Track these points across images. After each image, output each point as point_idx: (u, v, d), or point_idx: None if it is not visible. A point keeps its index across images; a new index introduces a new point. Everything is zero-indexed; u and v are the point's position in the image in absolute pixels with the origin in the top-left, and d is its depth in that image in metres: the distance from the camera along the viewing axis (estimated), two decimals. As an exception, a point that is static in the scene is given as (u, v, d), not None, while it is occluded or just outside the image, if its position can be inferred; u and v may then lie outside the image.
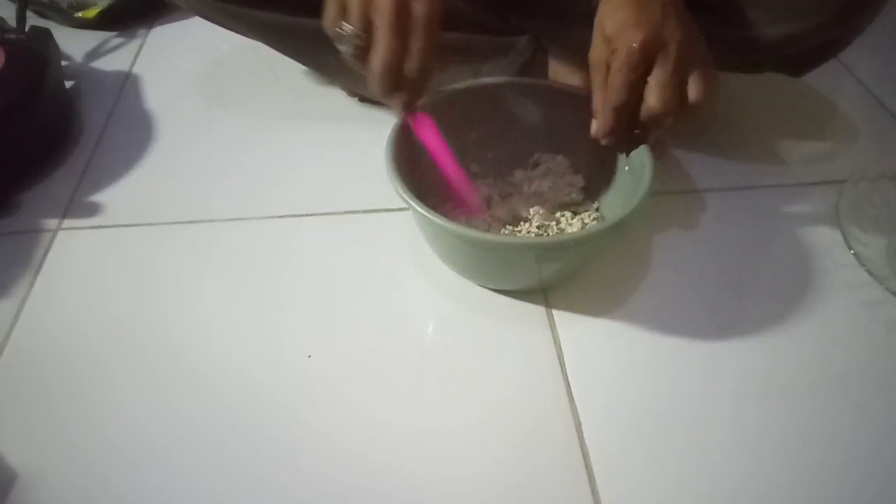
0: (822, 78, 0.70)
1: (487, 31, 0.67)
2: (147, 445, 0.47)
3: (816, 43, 0.60)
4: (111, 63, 0.84)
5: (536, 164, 0.61)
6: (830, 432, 0.47)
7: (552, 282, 0.56)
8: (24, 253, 0.60)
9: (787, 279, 0.57)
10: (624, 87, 0.45)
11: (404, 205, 0.49)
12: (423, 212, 0.47)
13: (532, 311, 0.55)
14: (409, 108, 0.49)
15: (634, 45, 0.44)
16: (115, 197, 0.66)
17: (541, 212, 0.57)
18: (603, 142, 0.48)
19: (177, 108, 0.76)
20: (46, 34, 0.76)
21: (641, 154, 0.51)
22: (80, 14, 0.89)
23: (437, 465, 0.46)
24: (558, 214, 0.58)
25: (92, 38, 0.88)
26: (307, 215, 0.63)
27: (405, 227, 0.61)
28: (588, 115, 0.49)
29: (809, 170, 0.68)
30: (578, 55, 0.65)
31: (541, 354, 0.52)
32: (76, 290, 0.57)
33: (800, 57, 0.63)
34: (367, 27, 0.44)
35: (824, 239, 0.60)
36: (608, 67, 0.46)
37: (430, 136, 0.52)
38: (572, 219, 0.58)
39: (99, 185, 0.67)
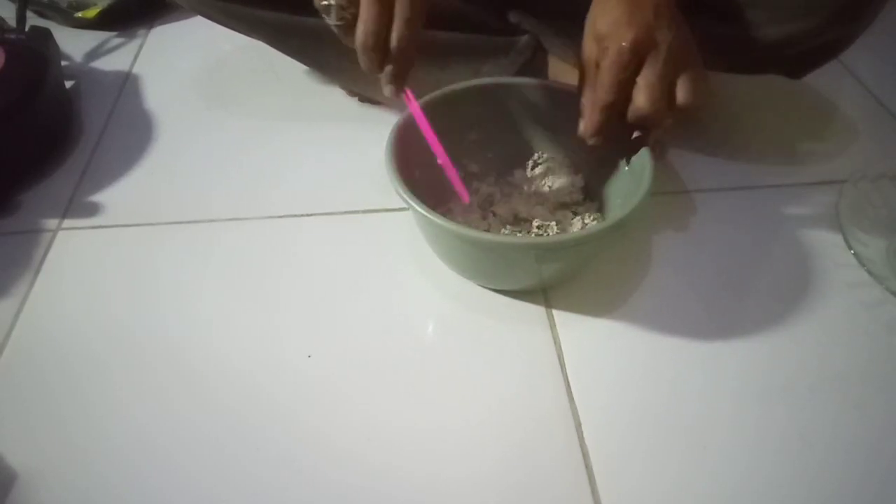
0: (822, 78, 0.69)
1: (487, 31, 0.67)
2: (147, 445, 0.47)
3: (816, 43, 0.60)
4: (111, 63, 0.84)
5: (536, 164, 0.61)
6: (830, 432, 0.47)
7: (552, 282, 0.56)
8: (24, 253, 0.60)
9: (787, 279, 0.57)
10: (612, 87, 0.45)
11: (404, 205, 0.49)
12: (423, 212, 0.47)
13: (532, 311, 0.55)
14: (398, 84, 0.48)
15: (625, 43, 0.44)
16: (115, 197, 0.66)
17: (542, 212, 0.57)
18: (590, 142, 0.48)
19: (177, 108, 0.76)
20: (46, 34, 0.76)
21: (641, 154, 0.51)
22: (80, 14, 0.89)
23: (437, 465, 0.46)
24: (559, 214, 0.58)
25: (92, 38, 0.88)
26: (307, 215, 0.63)
27: (405, 227, 0.61)
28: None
29: (809, 170, 0.68)
30: (578, 55, 0.65)
31: (541, 354, 0.52)
32: (76, 290, 0.57)
33: (800, 57, 0.63)
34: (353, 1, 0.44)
35: (824, 239, 0.60)
36: (598, 66, 0.47)
37: (420, 118, 0.51)
38: (572, 219, 0.58)
39: (99, 185, 0.67)
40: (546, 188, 0.59)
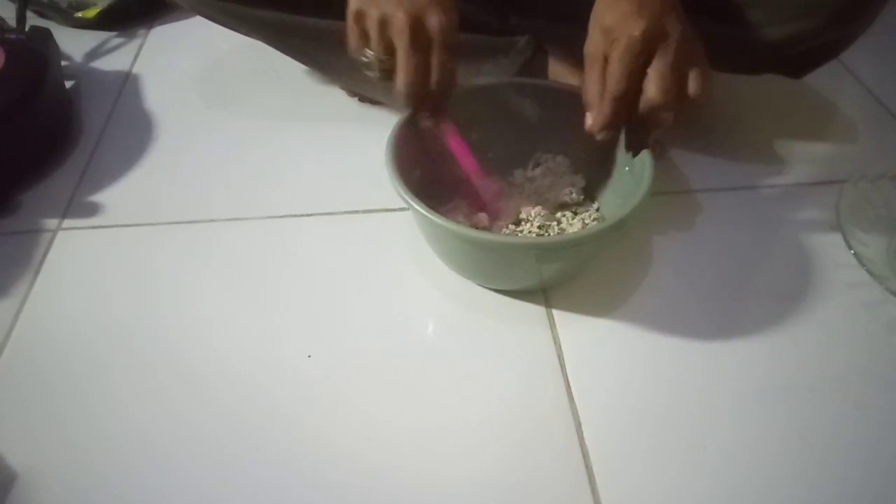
0: (822, 78, 0.69)
1: (487, 31, 0.67)
2: (147, 445, 0.47)
3: (816, 43, 0.60)
4: (111, 63, 0.84)
5: (537, 164, 0.61)
6: (830, 432, 0.47)
7: (552, 282, 0.56)
8: (24, 253, 0.60)
9: (787, 279, 0.57)
10: (624, 78, 0.45)
11: (404, 205, 0.49)
12: (423, 212, 0.47)
13: (532, 311, 0.55)
14: (438, 119, 0.51)
15: (636, 33, 0.44)
16: (115, 197, 0.66)
17: (542, 212, 0.57)
18: (599, 136, 0.48)
19: (177, 108, 0.76)
20: (46, 34, 0.76)
21: (642, 154, 0.51)
22: (80, 14, 0.89)
23: (437, 465, 0.46)
24: (559, 214, 0.58)
25: (92, 38, 0.88)
26: (307, 215, 0.63)
27: (405, 227, 0.61)
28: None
29: (809, 170, 0.68)
30: (578, 55, 0.65)
31: (541, 354, 0.52)
32: (76, 290, 0.57)
33: (800, 57, 0.63)
34: (389, 49, 0.45)
35: (824, 239, 0.60)
36: (605, 60, 0.46)
37: (454, 140, 0.53)
38: (572, 219, 0.58)
39: (99, 185, 0.67)
40: (546, 188, 0.59)
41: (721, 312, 0.55)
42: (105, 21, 0.90)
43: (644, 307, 0.55)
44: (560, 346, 0.52)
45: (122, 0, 0.91)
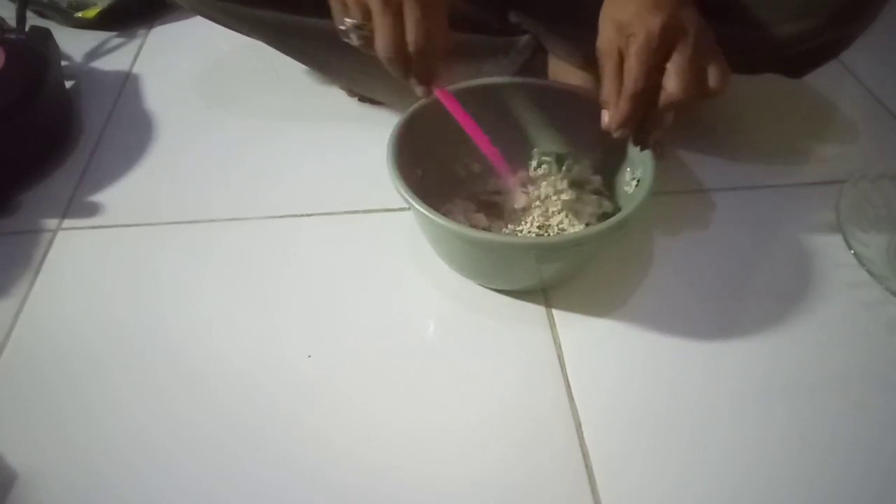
0: (822, 78, 0.69)
1: (487, 31, 0.67)
2: (147, 445, 0.47)
3: (816, 43, 0.60)
4: (111, 63, 0.84)
5: (538, 164, 0.61)
6: (830, 432, 0.47)
7: (552, 282, 0.56)
8: (24, 253, 0.60)
9: (787, 279, 0.57)
10: (642, 74, 0.44)
11: (404, 205, 0.49)
12: (423, 211, 0.47)
13: (532, 311, 0.55)
14: (426, 84, 0.49)
15: (654, 29, 0.43)
16: (115, 197, 0.66)
17: (542, 211, 0.57)
18: (616, 134, 0.47)
19: (177, 108, 0.76)
20: (46, 34, 0.76)
21: (643, 154, 0.51)
22: (80, 14, 0.89)
23: (437, 465, 0.46)
24: (559, 215, 0.58)
25: (92, 38, 0.88)
26: (307, 215, 0.63)
27: (405, 227, 0.61)
28: (589, 113, 0.49)
29: (809, 170, 0.68)
30: (578, 55, 0.65)
31: (541, 354, 0.52)
32: (76, 290, 0.57)
33: (800, 57, 0.63)
34: (367, 16, 0.44)
35: (824, 239, 0.60)
36: (621, 56, 0.45)
37: (455, 108, 0.52)
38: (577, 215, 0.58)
39: (99, 185, 0.67)
40: (547, 188, 0.59)
41: (721, 312, 0.55)
42: (105, 21, 0.90)
43: (644, 307, 0.55)
44: (560, 346, 0.52)
45: (122, 0, 0.91)
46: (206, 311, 0.55)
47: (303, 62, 0.72)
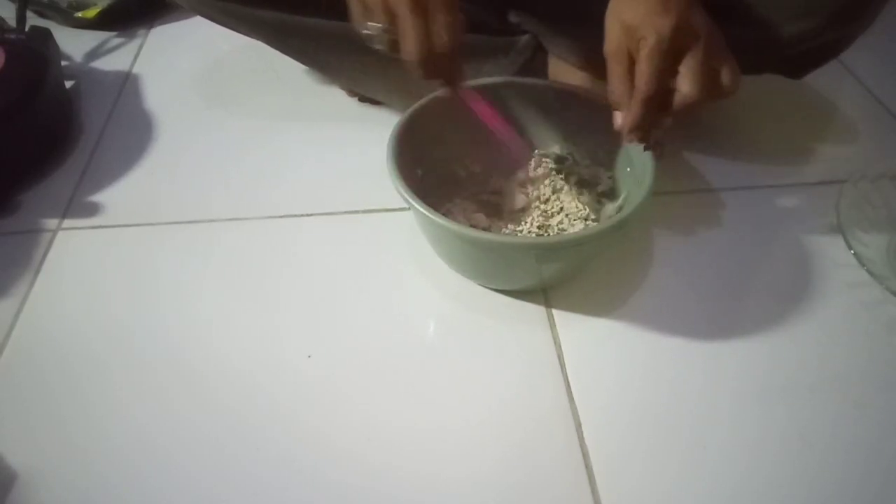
0: (822, 78, 0.70)
1: (487, 31, 0.67)
2: (147, 445, 0.47)
3: (816, 43, 0.60)
4: (111, 63, 0.84)
5: (538, 165, 0.61)
6: (830, 432, 0.47)
7: (552, 282, 0.56)
8: (24, 253, 0.60)
9: (787, 279, 0.57)
10: (654, 77, 0.44)
11: (404, 205, 0.49)
12: (423, 211, 0.47)
13: (532, 311, 0.55)
14: (452, 85, 0.49)
15: (665, 31, 0.43)
16: (115, 197, 0.66)
17: (542, 211, 0.57)
18: (627, 138, 0.47)
19: (177, 108, 0.76)
20: (46, 34, 0.76)
21: (643, 154, 0.51)
22: (80, 14, 0.89)
23: (437, 465, 0.46)
24: (561, 215, 0.58)
25: (92, 38, 0.88)
26: (307, 215, 0.63)
27: (405, 227, 0.61)
28: (589, 113, 0.49)
29: (809, 170, 0.68)
30: (578, 55, 0.65)
31: (541, 354, 0.52)
32: (76, 290, 0.57)
33: (800, 57, 0.63)
34: (392, 19, 0.44)
35: (824, 239, 0.60)
36: (630, 58, 0.45)
37: (479, 105, 0.52)
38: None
39: (99, 185, 0.67)
40: (547, 188, 0.59)
41: (721, 312, 0.55)
42: (105, 21, 0.90)
43: (644, 307, 0.55)
44: (560, 346, 0.52)
45: (122, 0, 0.91)
46: (206, 311, 0.55)
47: (303, 62, 0.72)
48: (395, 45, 0.46)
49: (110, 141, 0.72)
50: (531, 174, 0.61)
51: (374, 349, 0.52)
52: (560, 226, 0.57)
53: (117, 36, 0.89)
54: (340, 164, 0.68)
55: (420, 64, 0.45)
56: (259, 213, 0.63)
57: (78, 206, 0.65)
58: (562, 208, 0.59)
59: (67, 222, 0.63)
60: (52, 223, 0.63)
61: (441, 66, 0.46)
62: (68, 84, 0.79)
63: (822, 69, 0.65)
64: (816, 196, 0.65)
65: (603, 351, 0.52)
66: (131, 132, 0.73)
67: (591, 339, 0.53)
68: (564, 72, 0.67)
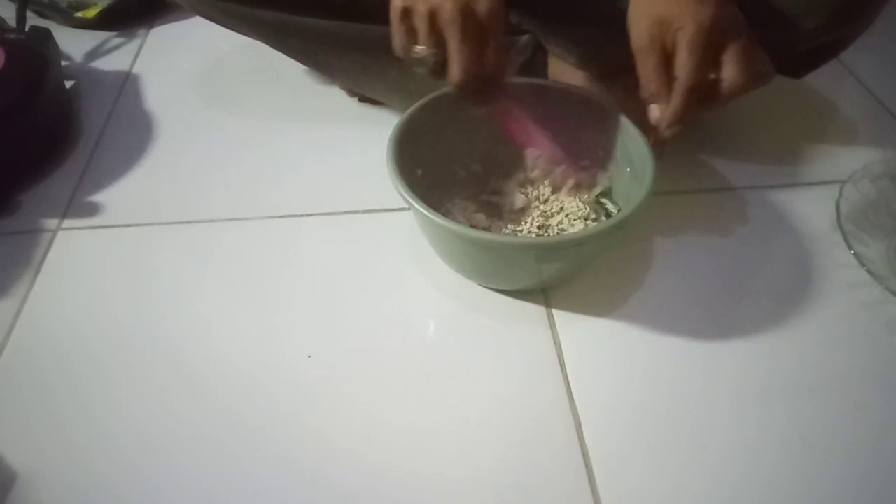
0: (822, 78, 0.70)
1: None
2: (147, 445, 0.47)
3: (816, 43, 0.60)
4: (111, 63, 0.84)
5: (537, 165, 0.61)
6: (830, 432, 0.47)
7: (552, 282, 0.56)
8: (24, 253, 0.60)
9: (787, 279, 0.57)
10: (697, 67, 0.44)
11: (404, 205, 0.49)
12: (423, 211, 0.47)
13: (532, 311, 0.55)
14: (492, 103, 0.50)
15: (706, 21, 0.43)
16: (115, 197, 0.66)
17: (542, 212, 0.57)
18: (667, 132, 0.47)
19: (177, 108, 0.76)
20: (46, 34, 0.76)
21: (643, 154, 0.51)
22: (80, 14, 0.89)
23: (437, 465, 0.46)
24: (561, 215, 0.58)
25: (92, 38, 0.88)
26: (307, 215, 0.63)
27: (405, 227, 0.61)
28: (589, 113, 0.49)
29: (809, 170, 0.68)
30: (578, 55, 0.65)
31: (541, 354, 0.52)
32: (76, 290, 0.57)
33: (800, 57, 0.63)
34: (440, 43, 0.45)
35: (824, 239, 0.60)
36: (664, 51, 0.45)
37: (513, 121, 0.53)
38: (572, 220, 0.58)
39: (99, 185, 0.67)
40: (546, 188, 0.59)
41: (721, 312, 0.55)
42: (105, 21, 0.90)
43: (644, 307, 0.55)
44: (560, 346, 0.52)
45: (122, 0, 0.91)
46: (206, 311, 0.55)
47: (303, 62, 0.72)
48: (440, 67, 0.46)
49: (110, 141, 0.72)
50: (531, 174, 0.61)
51: (374, 349, 0.52)
52: (560, 226, 0.57)
53: (117, 36, 0.89)
54: (340, 164, 0.68)
55: (465, 87, 0.46)
56: (259, 213, 0.63)
57: (78, 206, 0.65)
58: (562, 208, 0.59)
59: (67, 222, 0.63)
60: (52, 223, 0.63)
61: (487, 89, 0.47)
62: (68, 84, 0.79)
63: (822, 69, 0.65)
64: (816, 196, 0.65)
65: (603, 351, 0.52)
66: (131, 132, 0.73)
67: (591, 339, 0.53)
68: (564, 72, 0.67)
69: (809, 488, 0.45)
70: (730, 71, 0.44)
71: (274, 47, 0.68)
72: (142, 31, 0.91)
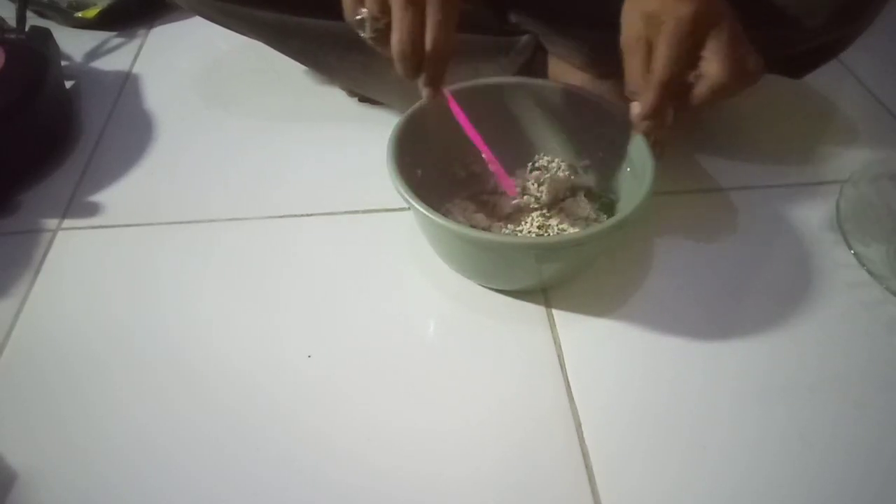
0: (822, 78, 0.70)
1: (487, 31, 0.67)
2: (147, 445, 0.47)
3: (816, 43, 0.60)
4: (111, 63, 0.84)
5: (536, 165, 0.61)
6: (830, 432, 0.47)
7: (552, 282, 0.56)
8: (24, 253, 0.60)
9: (787, 279, 0.57)
10: (671, 61, 0.43)
11: (404, 205, 0.49)
12: (423, 211, 0.47)
13: (532, 311, 0.55)
14: (435, 86, 0.48)
15: (685, 15, 0.42)
16: (115, 197, 0.66)
17: (542, 212, 0.57)
18: (640, 128, 0.46)
19: (177, 108, 0.76)
20: (46, 34, 0.76)
21: (643, 154, 0.51)
22: (80, 14, 0.89)
23: (437, 465, 0.46)
24: (560, 215, 0.58)
25: (92, 38, 0.88)
26: (307, 215, 0.63)
27: (405, 227, 0.61)
28: (589, 113, 0.49)
29: (809, 170, 0.68)
30: (578, 55, 0.65)
31: (541, 354, 0.52)
32: (76, 290, 0.57)
33: (800, 57, 0.63)
34: (384, 9, 0.44)
35: (824, 239, 0.60)
36: (649, 47, 0.44)
37: (458, 112, 0.51)
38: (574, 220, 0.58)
39: (99, 185, 0.67)
40: (546, 188, 0.59)
41: (721, 312, 0.55)
42: (105, 21, 0.90)
43: (644, 307, 0.55)
44: (560, 346, 0.52)
45: (122, 0, 0.91)
46: (206, 311, 0.55)
47: (303, 62, 0.72)
48: (382, 35, 0.45)
49: (110, 141, 0.72)
50: (530, 174, 0.61)
51: (374, 349, 0.52)
52: (560, 226, 0.57)
53: (117, 36, 0.89)
54: (340, 164, 0.68)
55: (403, 58, 0.44)
56: (259, 213, 0.63)
57: (78, 206, 0.65)
58: (562, 208, 0.59)
59: (67, 222, 0.63)
60: (52, 223, 0.63)
61: (427, 66, 0.45)
62: (68, 84, 0.79)
63: (822, 69, 0.65)
64: (816, 196, 0.65)
65: (603, 351, 0.52)
66: (131, 132, 0.73)
67: (591, 339, 0.53)
68: (564, 72, 0.67)
69: (809, 488, 0.45)
70: (710, 67, 0.43)
71: (274, 47, 0.68)
72: (142, 31, 0.91)
